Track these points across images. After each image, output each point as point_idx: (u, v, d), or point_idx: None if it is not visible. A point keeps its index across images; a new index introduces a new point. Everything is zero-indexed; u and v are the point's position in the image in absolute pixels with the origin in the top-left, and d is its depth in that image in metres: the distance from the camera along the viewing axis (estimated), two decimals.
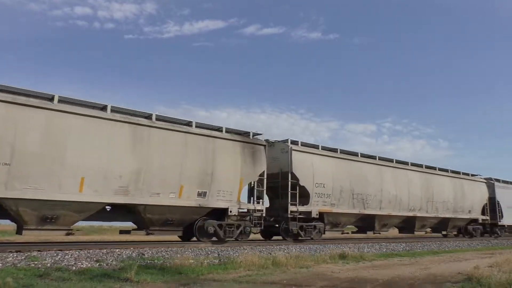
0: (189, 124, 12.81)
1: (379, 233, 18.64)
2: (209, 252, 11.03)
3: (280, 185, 15.34)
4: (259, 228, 15.09)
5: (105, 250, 9.91)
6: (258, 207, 14.03)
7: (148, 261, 9.05)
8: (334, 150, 17.15)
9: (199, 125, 12.99)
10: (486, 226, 24.86)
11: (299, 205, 15.10)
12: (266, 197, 16.40)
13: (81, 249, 9.74)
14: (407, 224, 20.65)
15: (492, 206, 25.62)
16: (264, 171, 14.31)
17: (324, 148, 16.71)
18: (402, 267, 10.41)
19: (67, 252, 9.20)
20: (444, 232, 23.14)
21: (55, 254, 8.82)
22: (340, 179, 16.49)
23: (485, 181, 25.35)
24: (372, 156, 18.74)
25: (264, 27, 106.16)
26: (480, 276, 7.70)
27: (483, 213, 24.55)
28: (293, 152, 15.17)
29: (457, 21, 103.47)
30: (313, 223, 15.70)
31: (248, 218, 14.03)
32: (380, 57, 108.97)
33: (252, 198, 14.40)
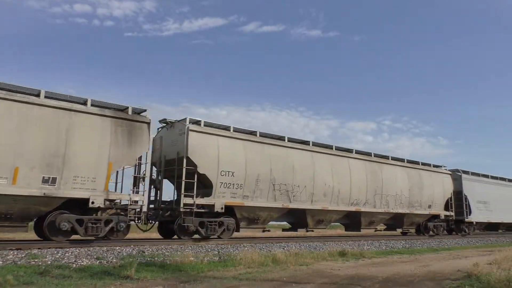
0: (38, 94, 10.26)
1: (312, 230, 16.05)
2: (209, 250, 10.89)
3: (176, 173, 12.79)
4: (149, 223, 12.59)
5: (105, 248, 9.86)
6: (136, 197, 11.46)
7: (148, 259, 8.95)
8: (252, 132, 14.59)
9: (51, 96, 10.44)
10: (450, 223, 22.26)
11: (197, 196, 12.55)
12: (169, 187, 13.93)
13: (81, 247, 9.73)
14: (352, 221, 18.09)
15: (459, 201, 23.03)
16: (146, 154, 11.76)
17: (237, 130, 14.13)
18: (402, 264, 10.21)
19: (68, 249, 9.21)
20: (400, 230, 20.52)
21: (55, 252, 8.80)
22: (257, 166, 13.92)
23: (449, 172, 22.74)
24: (305, 141, 16.18)
25: (264, 24, 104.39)
26: (480, 273, 7.65)
27: (447, 208, 21.98)
28: (190, 133, 12.60)
29: (458, 19, 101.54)
30: (221, 219, 13.14)
31: (132, 211, 11.52)
32: (380, 55, 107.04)
33: (135, 187, 11.85)
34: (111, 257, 8.80)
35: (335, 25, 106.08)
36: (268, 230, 14.93)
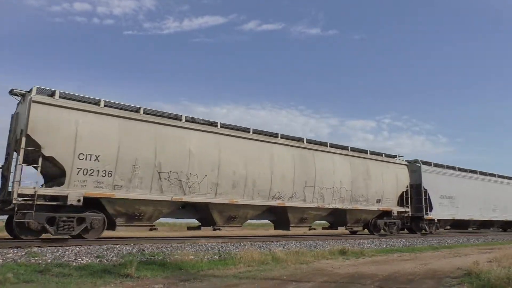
0: None
1: (220, 229, 13.43)
2: (209, 248, 10.74)
3: (17, 156, 10.19)
4: None
5: (105, 246, 9.72)
6: None
7: (149, 257, 8.85)
8: (137, 110, 11.96)
9: None
10: (405, 220, 19.61)
11: (42, 186, 9.97)
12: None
13: (81, 245, 9.56)
14: (279, 217, 15.50)
15: (418, 195, 20.42)
16: None
17: (111, 105, 11.51)
18: (402, 262, 10.25)
19: (67, 248, 9.09)
20: (343, 228, 17.86)
21: (55, 250, 8.74)
22: (135, 149, 11.32)
23: (405, 163, 20.09)
24: (212, 122, 13.57)
25: (264, 23, 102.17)
26: (480, 271, 7.65)
27: (402, 204, 19.38)
28: (33, 105, 9.97)
29: (457, 17, 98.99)
30: (83, 214, 10.54)
31: None
32: (380, 53, 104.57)
33: None
34: (111, 256, 8.68)
35: (335, 24, 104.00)
36: (156, 229, 12.30)
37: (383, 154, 19.11)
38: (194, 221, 14.42)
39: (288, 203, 14.70)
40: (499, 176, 26.88)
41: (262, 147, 14.28)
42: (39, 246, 9.04)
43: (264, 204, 14.12)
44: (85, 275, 6.62)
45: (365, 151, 18.30)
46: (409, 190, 19.63)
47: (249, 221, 15.57)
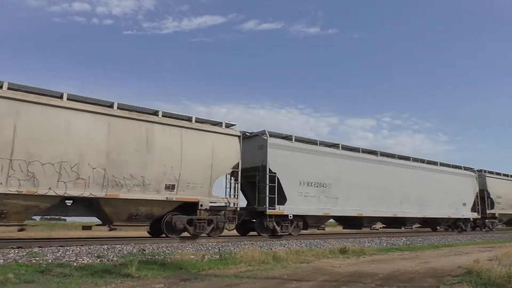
0: None
1: None
2: (209, 248, 10.60)
3: None
4: None
5: (106, 246, 9.67)
6: None
7: (149, 257, 8.83)
8: None
9: None
10: (231, 216, 13.44)
11: None
12: None
13: (82, 245, 9.52)
14: None
15: (264, 182, 14.35)
16: None
17: None
18: (403, 261, 10.22)
19: (68, 248, 9.04)
20: (107, 228, 11.58)
21: (56, 250, 8.67)
22: None
23: (236, 133, 13.85)
24: None
25: (263, 22, 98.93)
26: (480, 269, 7.60)
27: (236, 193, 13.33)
28: None
29: (457, 16, 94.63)
30: None
31: None
32: (380, 52, 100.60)
33: None
34: (111, 256, 8.65)
35: (334, 23, 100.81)
36: None
37: (193, 119, 12.97)
38: None
39: None
40: (414, 160, 20.77)
41: None
42: (40, 247, 8.97)
43: None
44: (86, 275, 6.53)
45: (155, 113, 12.22)
46: (240, 172, 13.54)
47: None
